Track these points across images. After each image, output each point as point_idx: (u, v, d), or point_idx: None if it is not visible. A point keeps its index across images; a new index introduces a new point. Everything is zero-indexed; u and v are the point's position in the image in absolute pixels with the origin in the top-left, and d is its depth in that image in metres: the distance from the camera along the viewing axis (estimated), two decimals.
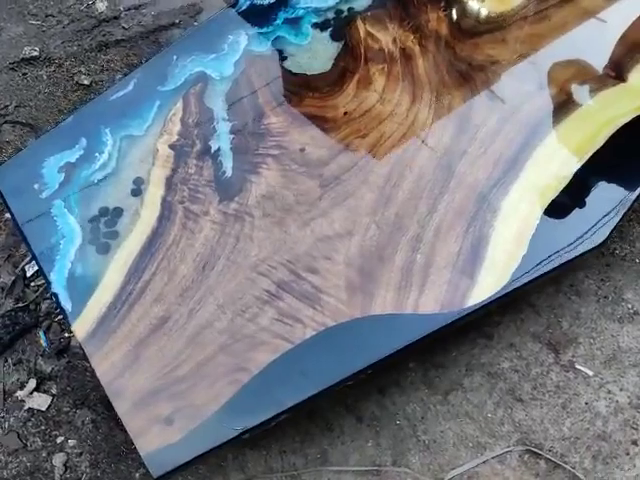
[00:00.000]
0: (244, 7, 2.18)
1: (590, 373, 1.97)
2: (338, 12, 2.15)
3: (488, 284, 1.65)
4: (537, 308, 2.08)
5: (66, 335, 2.20)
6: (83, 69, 2.70)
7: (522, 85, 1.96)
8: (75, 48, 2.75)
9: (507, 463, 1.87)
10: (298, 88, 2.01)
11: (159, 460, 1.52)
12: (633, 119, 1.85)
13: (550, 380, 1.97)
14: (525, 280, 1.65)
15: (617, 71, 1.97)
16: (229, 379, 1.59)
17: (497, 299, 1.64)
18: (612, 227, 1.70)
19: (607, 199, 1.76)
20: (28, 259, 2.33)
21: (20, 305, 2.24)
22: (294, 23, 2.13)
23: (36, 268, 2.32)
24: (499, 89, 1.96)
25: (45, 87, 2.67)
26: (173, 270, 1.73)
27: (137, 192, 1.87)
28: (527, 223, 1.73)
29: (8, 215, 2.44)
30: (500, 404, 1.95)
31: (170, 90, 2.03)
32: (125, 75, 2.48)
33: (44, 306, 2.25)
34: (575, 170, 1.79)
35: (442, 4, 2.12)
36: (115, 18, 2.82)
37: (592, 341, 2.02)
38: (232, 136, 1.93)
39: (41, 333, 2.19)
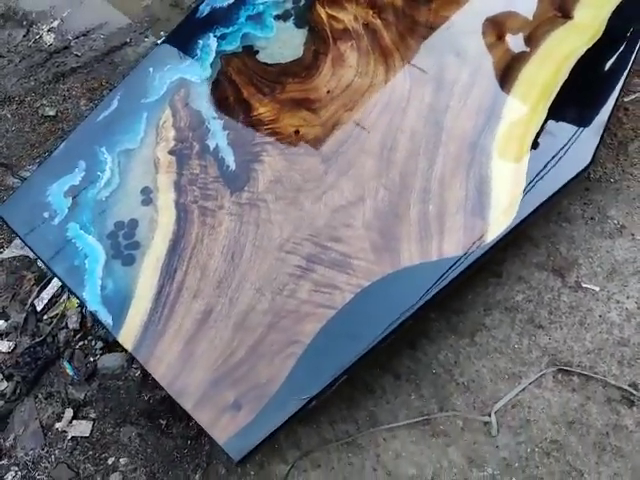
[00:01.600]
0: (205, 12, 2.25)
1: (597, 289, 2.12)
2: (295, 1, 2.25)
3: (500, 221, 1.77)
4: (534, 240, 2.23)
5: (91, 359, 2.20)
6: (45, 101, 2.70)
7: (482, 38, 2.10)
8: (32, 83, 2.73)
9: (544, 386, 2.00)
10: (277, 77, 2.09)
11: (237, 445, 1.56)
12: (588, 51, 2.02)
13: (563, 302, 2.12)
14: (532, 209, 1.78)
15: (563, 11, 2.15)
16: (284, 354, 1.65)
17: (511, 231, 1.76)
18: (595, 147, 1.86)
19: (583, 124, 1.91)
20: (35, 294, 2.31)
21: (37, 340, 2.22)
22: (257, 18, 2.22)
23: (46, 301, 2.31)
24: (462, 46, 2.09)
25: (11, 125, 2.64)
26: (204, 265, 1.78)
27: (147, 201, 1.90)
28: (519, 159, 1.86)
29: (4, 255, 2.41)
30: (523, 334, 2.09)
31: (154, 101, 2.07)
32: (89, 100, 2.49)
33: (61, 336, 2.24)
34: (549, 104, 1.94)
35: None
36: (65, 48, 2.82)
37: (591, 260, 2.19)
38: (227, 132, 1.99)
39: (65, 363, 2.18)
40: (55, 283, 2.35)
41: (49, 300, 2.31)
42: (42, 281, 2.35)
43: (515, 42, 2.08)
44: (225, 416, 1.60)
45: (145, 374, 2.15)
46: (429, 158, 1.89)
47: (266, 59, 2.13)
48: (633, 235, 2.21)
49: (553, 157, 1.88)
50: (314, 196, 1.86)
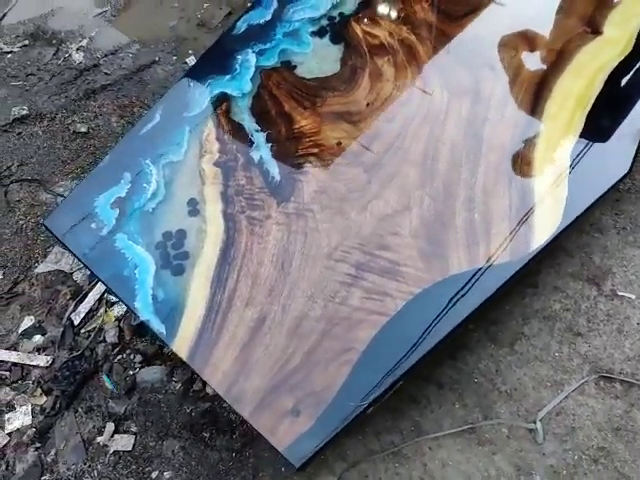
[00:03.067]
0: (242, 29, 2.30)
1: (633, 296, 2.15)
2: (330, 18, 2.30)
3: (545, 226, 1.81)
4: (568, 251, 2.26)
5: (130, 373, 2.19)
6: (76, 118, 2.72)
7: (515, 52, 2.16)
8: (63, 100, 2.76)
9: (587, 393, 2.01)
10: (317, 91, 2.13)
11: (297, 451, 1.56)
12: (619, 63, 2.09)
13: (600, 310, 2.15)
14: (575, 216, 1.81)
15: (592, 27, 2.21)
16: (340, 361, 1.65)
17: (555, 238, 1.79)
18: (632, 155, 1.91)
19: (620, 133, 1.96)
20: (72, 307, 2.31)
21: (75, 354, 2.21)
22: (294, 35, 2.27)
23: (83, 315, 2.30)
24: (496, 60, 2.15)
25: (43, 142, 2.67)
26: (255, 274, 1.79)
27: (194, 212, 1.92)
28: (560, 167, 1.91)
29: (39, 269, 2.41)
30: (563, 342, 2.10)
31: (197, 114, 2.11)
32: (120, 117, 2.53)
33: (100, 350, 2.23)
34: (585, 115, 1.99)
35: None
36: (95, 66, 2.86)
37: (625, 269, 2.22)
38: (270, 144, 2.02)
39: (104, 377, 2.17)
40: (92, 297, 2.35)
41: (86, 314, 2.30)
42: (78, 295, 2.35)
43: (548, 56, 2.14)
44: (284, 422, 1.60)
45: (186, 387, 2.14)
46: (471, 168, 1.93)
47: (304, 74, 2.17)
48: None
49: (592, 166, 1.93)
50: (359, 205, 1.89)
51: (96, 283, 2.36)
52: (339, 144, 2.01)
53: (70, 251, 1.91)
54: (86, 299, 2.34)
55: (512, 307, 2.18)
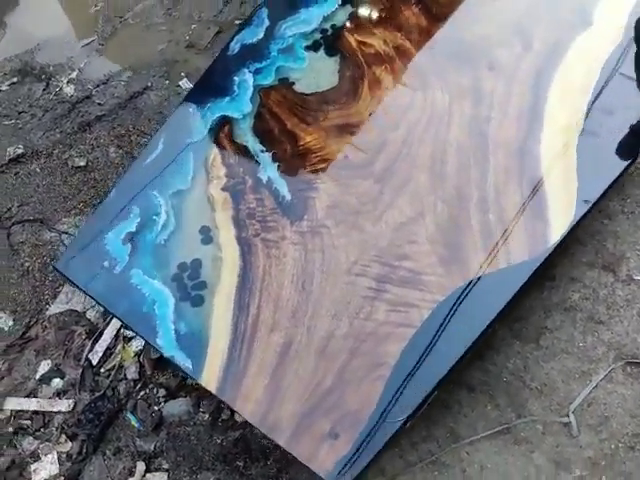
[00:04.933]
0: (236, 50, 2.29)
1: None
2: (323, 31, 2.30)
3: (560, 220, 1.81)
4: (580, 240, 2.26)
5: (155, 408, 2.16)
6: (74, 152, 2.69)
7: (510, 49, 2.16)
8: (58, 135, 2.73)
9: (615, 380, 2.01)
10: (318, 105, 2.12)
11: (340, 475, 1.54)
12: (613, 52, 2.09)
13: (618, 297, 2.15)
14: (589, 206, 1.82)
15: (582, 19, 2.22)
16: (372, 377, 1.64)
17: (572, 230, 1.79)
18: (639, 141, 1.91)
19: (624, 118, 1.96)
20: (88, 347, 2.28)
21: (97, 395, 2.18)
22: (288, 51, 2.26)
23: (100, 354, 2.27)
24: (494, 58, 2.15)
25: (42, 179, 2.64)
26: (276, 297, 1.77)
27: (208, 240, 1.90)
28: (567, 158, 1.91)
29: (51, 311, 2.38)
30: (586, 332, 2.10)
31: (199, 140, 2.09)
32: (118, 147, 2.51)
33: (121, 388, 2.20)
34: (589, 101, 1.99)
35: (412, 1, 2.31)
36: (87, 97, 2.83)
37: (638, 252, 2.22)
38: (277, 164, 2.01)
39: (129, 415, 2.14)
40: (108, 334, 2.32)
41: (104, 352, 2.27)
42: (94, 334, 2.32)
43: (543, 49, 2.14)
44: (323, 447, 1.58)
45: (214, 417, 2.12)
46: (480, 169, 1.93)
47: (303, 89, 2.16)
48: None
49: (599, 155, 1.93)
50: (374, 217, 1.88)
51: (111, 320, 2.34)
52: (346, 157, 2.00)
53: (84, 292, 1.88)
54: (102, 337, 2.31)
55: (532, 302, 2.17)
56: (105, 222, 1.98)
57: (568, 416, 1.97)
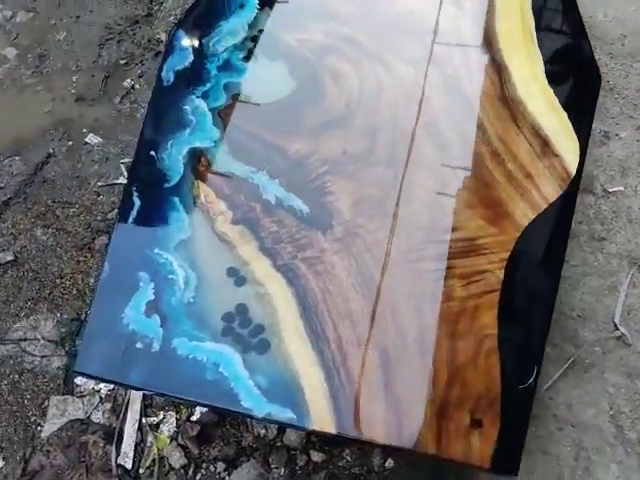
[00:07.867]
0: (172, 79, 2.07)
1: (622, 189, 2.34)
2: (254, 39, 2.15)
3: (570, 151, 1.87)
4: None
5: None
6: None
7: (447, 13, 2.19)
8: None
9: (638, 284, 2.14)
10: (290, 110, 1.99)
11: (503, 460, 1.45)
12: None
13: (605, 211, 2.32)
14: (587, 131, 1.92)
15: None
16: (483, 353, 1.58)
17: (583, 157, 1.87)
18: (595, 64, 2.05)
19: (573, 52, 2.09)
20: (114, 453, 1.93)
21: None
22: (227, 67, 2.09)
23: (132, 454, 1.94)
24: (434, 21, 2.16)
25: None
26: (346, 312, 1.63)
27: (241, 280, 1.69)
28: (547, 94, 1.97)
29: (46, 432, 1.97)
30: (595, 251, 2.24)
31: (178, 182, 1.86)
32: (45, 227, 2.18)
33: None
34: (536, 45, 2.09)
35: None
36: None
37: (602, 168, 2.39)
38: (277, 180, 1.84)
39: None
40: (129, 430, 1.97)
41: (134, 451, 1.93)
42: (112, 436, 1.96)
43: (475, 6, 2.20)
44: (473, 439, 1.47)
45: (290, 468, 1.91)
46: (477, 125, 1.93)
47: (265, 99, 2.01)
48: (617, 135, 2.46)
49: (573, 85, 2.03)
50: (401, 201, 1.80)
51: (126, 412, 2.00)
52: (345, 152, 1.89)
53: (129, 387, 1.59)
54: (124, 435, 1.96)
55: None
56: (114, 301, 1.67)
57: (618, 329, 2.06)
